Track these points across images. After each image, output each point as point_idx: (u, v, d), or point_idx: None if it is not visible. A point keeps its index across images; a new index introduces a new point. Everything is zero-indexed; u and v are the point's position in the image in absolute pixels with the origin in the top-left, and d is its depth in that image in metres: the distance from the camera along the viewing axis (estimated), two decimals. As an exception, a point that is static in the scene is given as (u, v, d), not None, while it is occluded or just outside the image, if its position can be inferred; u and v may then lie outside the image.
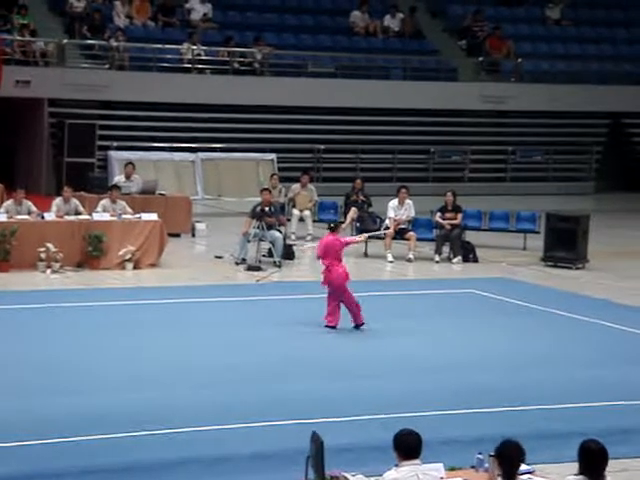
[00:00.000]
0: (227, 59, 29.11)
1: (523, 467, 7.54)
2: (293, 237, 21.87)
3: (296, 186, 23.03)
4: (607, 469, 7.15)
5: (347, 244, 15.77)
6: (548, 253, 20.62)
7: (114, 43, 27.86)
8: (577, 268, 20.31)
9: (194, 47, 28.63)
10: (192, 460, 9.80)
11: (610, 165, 32.36)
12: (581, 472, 7.17)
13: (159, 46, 28.44)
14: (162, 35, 29.27)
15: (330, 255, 15.18)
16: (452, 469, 8.04)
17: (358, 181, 23.08)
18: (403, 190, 21.12)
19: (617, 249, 22.74)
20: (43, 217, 18.88)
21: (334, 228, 15.51)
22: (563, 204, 26.04)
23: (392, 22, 31.93)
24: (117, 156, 26.61)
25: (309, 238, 22.29)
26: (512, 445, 7.21)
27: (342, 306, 15.10)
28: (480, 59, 31.86)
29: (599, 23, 34.83)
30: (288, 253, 20.03)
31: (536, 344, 14.77)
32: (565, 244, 20.42)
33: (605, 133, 32.78)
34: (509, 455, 7.18)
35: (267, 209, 19.71)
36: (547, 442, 10.14)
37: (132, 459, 9.78)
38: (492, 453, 7.36)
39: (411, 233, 20.74)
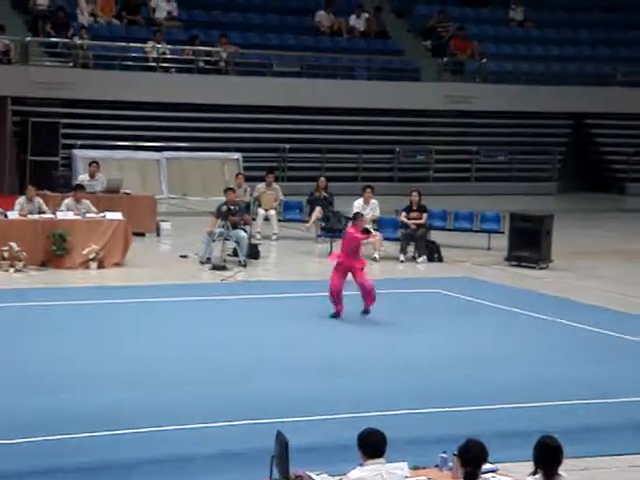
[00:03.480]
0: (192, 58, 29.07)
1: (486, 466, 7.61)
2: (258, 236, 21.87)
3: (261, 185, 23.03)
4: (568, 467, 7.23)
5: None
6: (512, 253, 20.74)
7: (78, 41, 27.72)
8: (540, 268, 20.44)
9: (159, 46, 28.55)
10: (157, 460, 9.78)
11: (573, 165, 32.59)
12: (536, 468, 7.27)
13: (123, 44, 28.34)
14: (126, 33, 29.16)
15: (351, 252, 15.41)
16: (416, 468, 8.09)
17: (322, 179, 23.13)
18: (368, 190, 21.18)
19: (580, 249, 22.91)
20: (6, 216, 18.75)
21: (355, 219, 15.82)
22: (527, 204, 26.19)
23: (357, 22, 32.00)
24: (81, 155, 26.48)
25: (274, 237, 22.31)
26: (475, 444, 7.27)
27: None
28: (444, 59, 32.00)
29: (561, 25, 35.08)
30: (253, 252, 20.03)
31: (499, 343, 14.87)
32: (529, 244, 20.55)
33: (568, 134, 33.01)
34: (472, 454, 7.24)
35: (232, 208, 19.71)
36: (510, 441, 10.21)
37: (97, 459, 9.76)
38: (456, 452, 7.41)
39: (376, 233, 20.80)
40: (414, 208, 21.27)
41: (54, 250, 18.46)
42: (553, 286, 18.91)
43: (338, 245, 20.93)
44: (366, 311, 15.74)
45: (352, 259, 15.63)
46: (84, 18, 28.85)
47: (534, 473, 7.31)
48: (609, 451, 10.68)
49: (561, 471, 7.31)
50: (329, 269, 19.75)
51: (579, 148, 32.90)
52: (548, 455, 7.27)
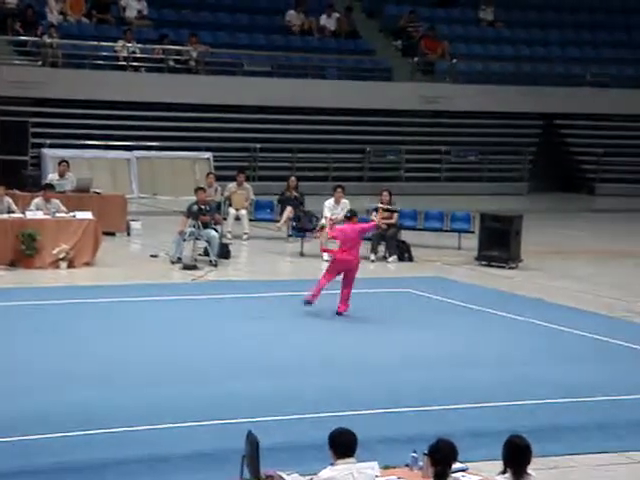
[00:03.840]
0: (162, 57, 28.99)
1: (457, 465, 7.64)
2: (229, 236, 21.84)
3: (232, 185, 23.01)
4: (537, 466, 7.27)
5: (363, 230, 16.16)
6: (482, 253, 20.82)
7: (47, 40, 27.59)
8: (510, 267, 20.53)
9: (129, 45, 28.46)
10: (130, 460, 9.76)
11: (543, 166, 32.76)
12: (505, 467, 7.31)
13: (94, 43, 28.24)
14: (96, 32, 29.06)
15: (349, 242, 15.79)
16: (387, 467, 8.10)
17: (292, 179, 23.13)
18: (339, 189, 21.20)
19: (550, 249, 23.03)
20: (-25, 215, 18.65)
21: (350, 217, 16.09)
22: (497, 204, 26.29)
23: (328, 22, 32.03)
24: (51, 154, 26.35)
25: (245, 237, 22.29)
26: (445, 444, 7.30)
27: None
28: (415, 59, 32.08)
29: (531, 25, 35.26)
30: (224, 252, 20.01)
31: (470, 343, 14.92)
32: (499, 244, 20.63)
33: (538, 134, 33.18)
34: (442, 454, 7.27)
35: (203, 208, 19.68)
36: (480, 440, 10.26)
37: (70, 460, 9.72)
38: (426, 452, 7.44)
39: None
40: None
41: (23, 250, 18.36)
42: (523, 286, 18.99)
43: (310, 245, 20.99)
44: (340, 313, 15.78)
45: (350, 254, 15.71)
46: (53, 16, 28.71)
47: (503, 472, 7.35)
48: (578, 450, 10.75)
49: (530, 470, 7.36)
50: (300, 268, 19.83)
51: (549, 148, 33.07)
52: (517, 454, 7.31)
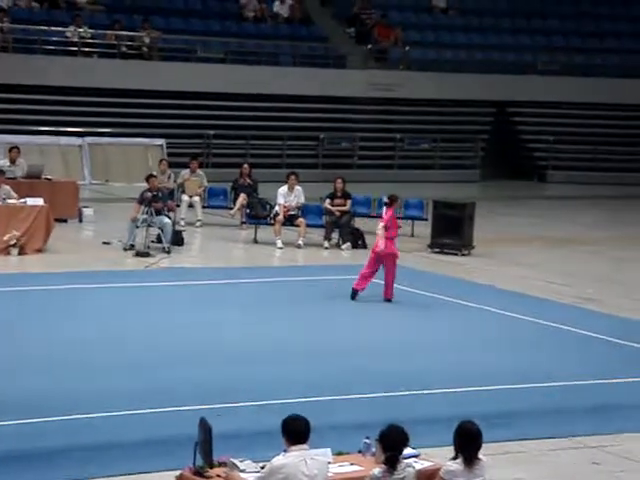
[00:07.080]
0: (114, 42, 28.79)
1: (409, 451, 7.69)
2: (182, 223, 21.78)
3: (185, 172, 22.93)
4: (489, 452, 7.34)
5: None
6: (435, 240, 20.93)
7: (-2, 24, 27.33)
8: (463, 254, 20.65)
9: (80, 30, 28.23)
10: (80, 447, 9.73)
11: (495, 153, 32.97)
12: (457, 453, 7.38)
13: (44, 28, 27.99)
14: (47, 17, 28.81)
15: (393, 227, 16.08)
16: (340, 454, 8.14)
17: (245, 166, 23.09)
18: (292, 176, 21.20)
19: (502, 236, 23.20)
20: None
21: (389, 203, 16.34)
22: (450, 191, 26.43)
23: (281, 8, 31.99)
24: (1, 140, 26.06)
25: (198, 224, 22.24)
26: (396, 429, 7.35)
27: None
28: (368, 46, 32.12)
29: (484, 13, 35.43)
30: (177, 239, 19.96)
31: (422, 330, 15.01)
32: (451, 231, 20.74)
33: (490, 122, 33.37)
34: (393, 439, 7.32)
35: (156, 194, 19.61)
36: (432, 426, 10.33)
37: (20, 447, 9.66)
38: (377, 438, 7.48)
39: (301, 219, 20.85)
40: (338, 195, 21.35)
41: (-26, 236, 18.19)
42: (475, 272, 19.12)
43: (264, 232, 20.99)
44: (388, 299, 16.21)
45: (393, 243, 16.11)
46: (3, 1, 28.41)
47: (455, 458, 7.42)
48: (528, 435, 10.86)
49: (481, 455, 7.43)
50: (253, 256, 19.81)
51: (501, 136, 33.29)
52: (468, 440, 7.38)
